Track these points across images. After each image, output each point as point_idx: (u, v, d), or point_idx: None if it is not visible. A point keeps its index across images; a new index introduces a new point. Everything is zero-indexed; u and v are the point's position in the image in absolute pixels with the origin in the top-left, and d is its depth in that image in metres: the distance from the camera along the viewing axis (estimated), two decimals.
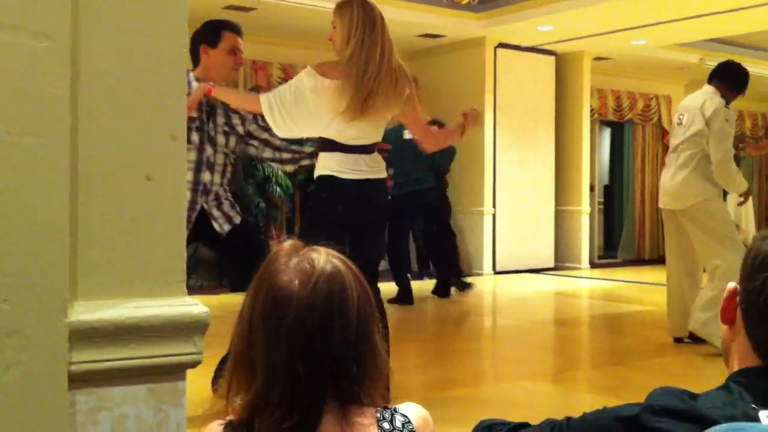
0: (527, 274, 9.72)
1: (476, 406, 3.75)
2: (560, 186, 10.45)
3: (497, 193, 9.73)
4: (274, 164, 4.75)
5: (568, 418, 1.21)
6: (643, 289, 8.52)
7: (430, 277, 8.31)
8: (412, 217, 7.50)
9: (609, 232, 12.47)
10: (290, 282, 1.14)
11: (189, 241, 2.72)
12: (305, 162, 3.74)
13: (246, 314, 1.17)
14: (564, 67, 10.40)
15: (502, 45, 9.68)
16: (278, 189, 8.51)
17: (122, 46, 1.33)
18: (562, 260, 10.42)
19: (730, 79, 5.13)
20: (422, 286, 7.91)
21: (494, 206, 9.69)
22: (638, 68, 11.32)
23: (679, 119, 5.16)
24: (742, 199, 5.35)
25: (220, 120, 3.50)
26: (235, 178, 7.59)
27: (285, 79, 8.39)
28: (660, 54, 10.45)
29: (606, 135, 12.77)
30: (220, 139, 3.50)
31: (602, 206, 12.15)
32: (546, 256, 10.23)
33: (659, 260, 10.01)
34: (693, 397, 1.11)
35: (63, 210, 1.25)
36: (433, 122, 7.48)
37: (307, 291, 1.13)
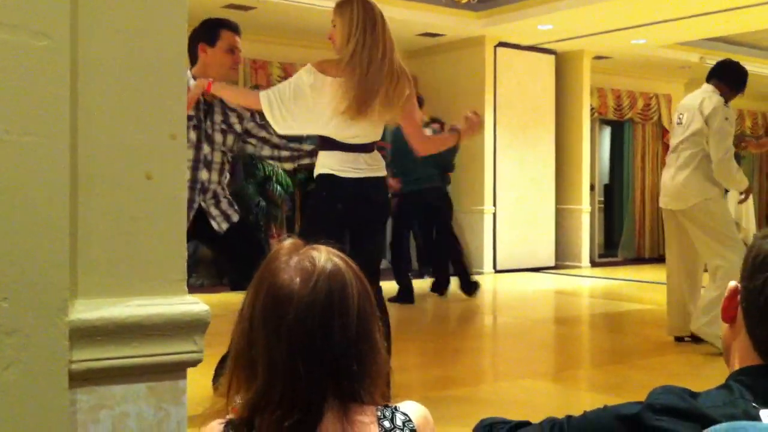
0: (528, 273, 9.72)
1: (476, 405, 3.75)
2: (560, 185, 10.45)
3: (497, 192, 9.73)
4: (272, 162, 4.73)
5: (569, 417, 1.21)
6: (643, 288, 8.52)
7: (431, 275, 8.32)
8: (412, 216, 7.50)
9: (609, 230, 12.47)
10: (291, 280, 1.14)
11: (187, 240, 2.71)
12: (305, 161, 3.72)
13: (246, 313, 1.17)
14: (564, 66, 10.40)
15: (501, 44, 9.68)
16: (279, 188, 8.51)
17: (122, 44, 1.33)
18: (562, 259, 10.42)
19: (728, 77, 5.11)
20: (423, 285, 7.91)
21: (494, 205, 9.69)
22: (638, 67, 11.32)
23: (679, 119, 5.15)
24: (742, 196, 5.34)
25: (218, 118, 3.49)
26: (235, 177, 7.61)
27: (285, 78, 8.36)
28: (660, 53, 10.44)
29: (606, 134, 12.77)
30: (218, 137, 3.48)
31: (602, 205, 12.15)
32: (546, 254, 10.23)
33: (659, 259, 10.01)
34: (693, 395, 1.11)
35: (63, 208, 1.25)
36: (433, 120, 7.51)
37: (308, 289, 1.13)
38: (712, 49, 10.38)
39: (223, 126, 3.51)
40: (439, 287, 7.62)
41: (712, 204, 4.94)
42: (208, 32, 3.46)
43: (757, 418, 1.04)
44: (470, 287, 7.45)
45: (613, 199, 12.49)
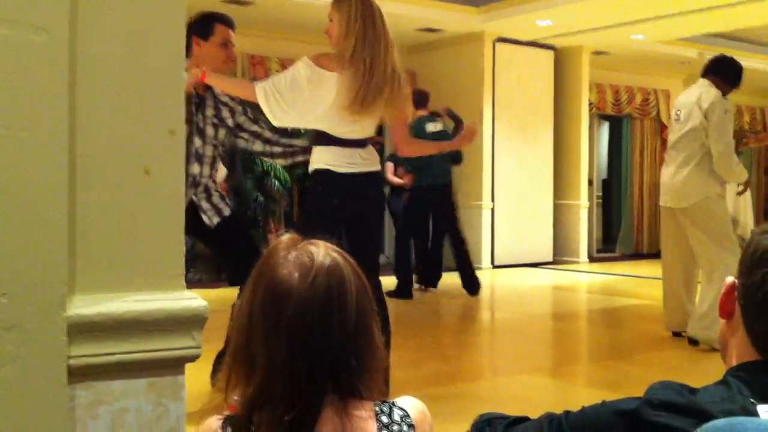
0: (526, 268, 9.73)
1: (474, 401, 3.75)
2: (559, 180, 10.45)
3: (496, 187, 9.73)
4: (265, 158, 4.66)
5: (567, 412, 1.21)
6: (641, 283, 8.53)
7: (422, 266, 8.30)
8: (426, 210, 7.44)
9: (607, 226, 12.47)
10: (290, 275, 1.14)
11: None
12: (299, 158, 3.68)
13: (245, 308, 1.17)
14: (563, 61, 10.39)
15: (500, 39, 9.67)
16: (277, 183, 8.52)
17: (121, 39, 1.33)
18: (560, 254, 10.43)
19: (723, 72, 5.08)
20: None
21: (493, 200, 9.69)
22: (637, 62, 11.32)
23: (677, 115, 5.12)
24: (741, 188, 5.32)
25: (209, 111, 3.46)
26: (234, 172, 7.60)
27: None
28: (658, 48, 10.44)
29: (604, 129, 12.77)
30: (209, 131, 3.45)
31: (600, 200, 12.15)
32: (544, 250, 10.24)
33: (657, 254, 9.95)
34: (692, 391, 1.11)
35: (61, 204, 1.25)
36: (434, 114, 7.50)
37: (307, 285, 1.13)
38: (711, 45, 10.36)
39: (215, 120, 3.48)
40: (431, 281, 7.61)
41: (712, 203, 4.91)
42: (202, 26, 3.43)
43: (755, 414, 1.04)
44: (474, 286, 7.45)
45: (611, 195, 12.49)
